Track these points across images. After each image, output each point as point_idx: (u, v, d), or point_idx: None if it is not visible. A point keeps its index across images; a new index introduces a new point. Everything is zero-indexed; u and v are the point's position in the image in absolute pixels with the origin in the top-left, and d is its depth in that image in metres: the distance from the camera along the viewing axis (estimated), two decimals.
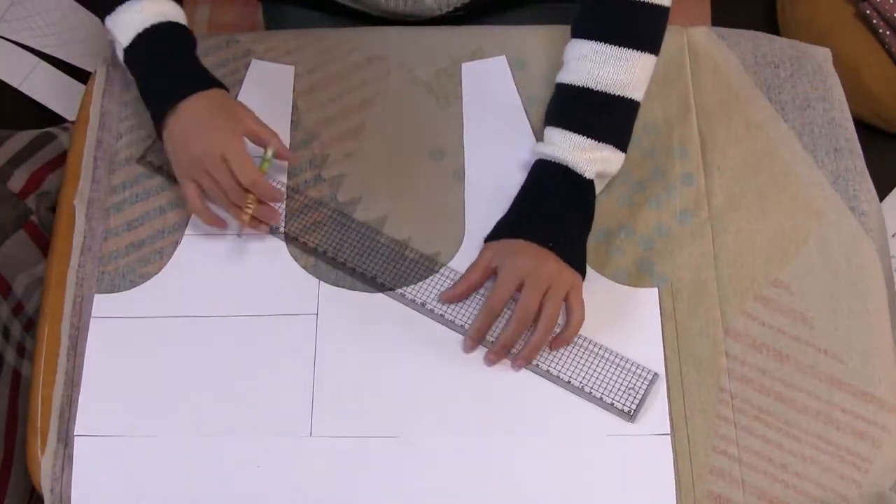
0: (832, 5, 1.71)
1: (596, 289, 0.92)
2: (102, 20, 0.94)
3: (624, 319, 0.90)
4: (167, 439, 0.86)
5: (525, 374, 0.88)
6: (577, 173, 0.91)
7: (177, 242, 0.95)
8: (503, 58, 1.04)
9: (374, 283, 0.92)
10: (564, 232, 0.90)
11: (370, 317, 0.91)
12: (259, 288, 0.92)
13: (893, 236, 1.65)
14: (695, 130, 0.99)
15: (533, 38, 1.05)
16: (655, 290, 0.92)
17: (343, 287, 0.92)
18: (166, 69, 0.93)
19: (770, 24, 1.85)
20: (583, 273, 0.90)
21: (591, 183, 0.92)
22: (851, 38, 1.67)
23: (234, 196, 0.90)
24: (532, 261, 0.88)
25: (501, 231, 0.93)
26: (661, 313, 0.91)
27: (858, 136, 1.01)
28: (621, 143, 0.93)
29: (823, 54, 1.05)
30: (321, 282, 0.92)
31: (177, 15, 0.94)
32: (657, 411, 0.86)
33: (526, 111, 1.01)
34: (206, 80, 0.93)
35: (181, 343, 0.90)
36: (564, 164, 0.91)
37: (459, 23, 1.10)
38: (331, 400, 0.87)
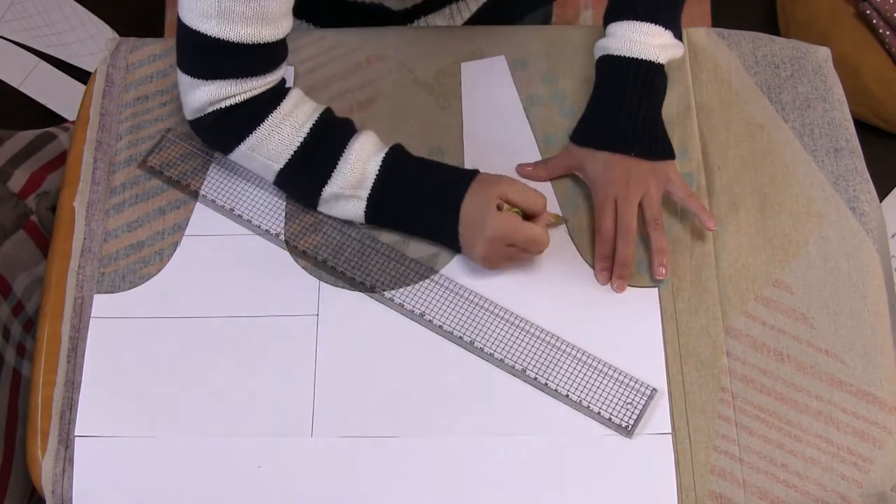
0: (832, 5, 1.71)
1: (596, 288, 0.92)
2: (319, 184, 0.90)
3: (624, 319, 0.90)
4: (168, 440, 0.86)
5: (524, 380, 0.88)
6: (649, 61, 0.92)
7: (176, 243, 0.95)
8: (503, 58, 1.04)
9: (373, 291, 0.92)
10: (647, 130, 0.92)
11: (370, 317, 0.91)
12: (259, 288, 0.92)
13: (893, 236, 1.65)
14: (695, 130, 0.99)
15: (533, 38, 1.05)
16: (655, 290, 0.92)
17: (343, 287, 0.92)
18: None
19: (770, 24, 1.85)
20: (672, 155, 0.93)
21: (661, 67, 0.93)
22: (851, 38, 1.67)
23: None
24: (620, 174, 0.90)
25: (586, 138, 0.94)
26: (661, 313, 0.91)
27: (858, 136, 1.01)
28: (678, 32, 0.95)
29: (823, 54, 1.05)
30: (321, 282, 0.92)
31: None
32: (658, 411, 0.86)
33: (526, 111, 1.01)
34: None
35: (181, 344, 0.90)
36: (635, 56, 0.92)
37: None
38: (332, 400, 0.87)
